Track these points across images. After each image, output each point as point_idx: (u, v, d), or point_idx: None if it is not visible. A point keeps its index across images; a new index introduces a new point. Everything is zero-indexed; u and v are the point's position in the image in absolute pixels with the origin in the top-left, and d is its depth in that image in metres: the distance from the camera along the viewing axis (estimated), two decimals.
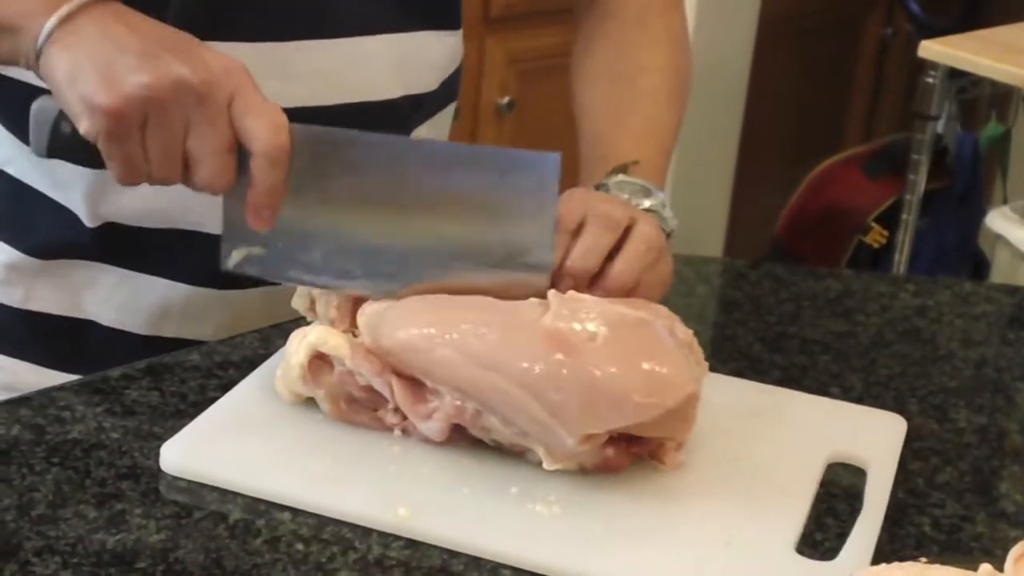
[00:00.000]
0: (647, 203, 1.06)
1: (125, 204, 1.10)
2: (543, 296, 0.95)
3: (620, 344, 0.91)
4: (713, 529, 0.90)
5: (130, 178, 0.91)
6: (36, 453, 0.93)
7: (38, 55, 0.90)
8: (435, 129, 1.22)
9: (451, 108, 1.25)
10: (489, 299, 0.95)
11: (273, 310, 1.14)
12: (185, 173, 0.91)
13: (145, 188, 1.08)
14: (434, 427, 0.93)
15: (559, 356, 0.89)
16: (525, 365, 0.90)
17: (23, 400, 0.99)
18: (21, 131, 1.11)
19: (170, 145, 0.89)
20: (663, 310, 0.97)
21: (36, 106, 0.92)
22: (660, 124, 1.17)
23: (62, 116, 0.91)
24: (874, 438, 1.02)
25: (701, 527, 0.90)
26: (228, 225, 0.96)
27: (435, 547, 0.87)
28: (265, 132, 0.89)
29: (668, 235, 1.06)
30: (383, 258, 0.97)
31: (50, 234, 1.13)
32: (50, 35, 0.89)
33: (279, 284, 1.12)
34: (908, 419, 1.07)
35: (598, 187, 1.07)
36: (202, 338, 1.14)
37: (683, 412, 0.92)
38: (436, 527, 0.87)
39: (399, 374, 0.94)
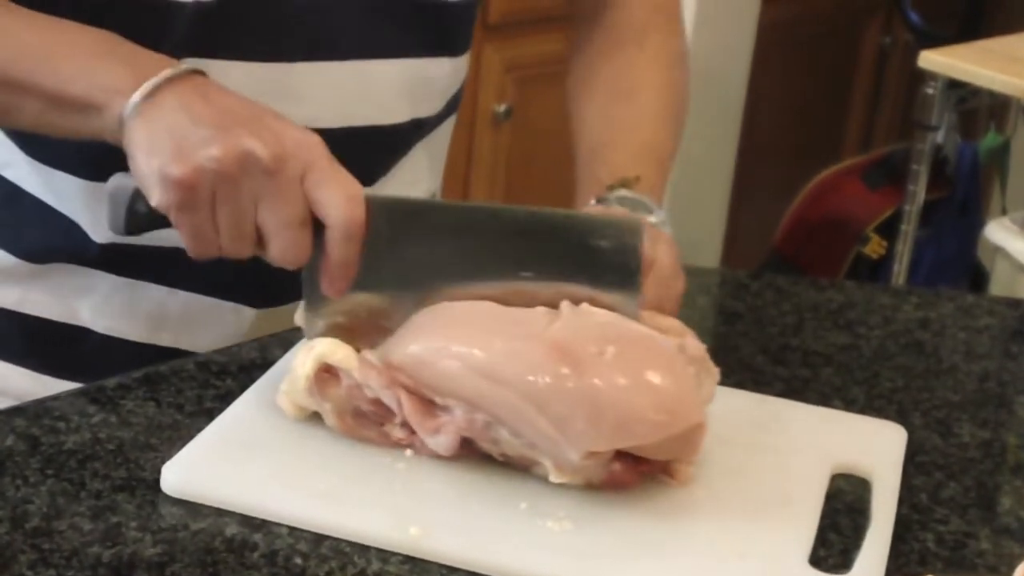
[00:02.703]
0: (649, 219, 1.05)
1: None
2: (553, 305, 0.94)
3: (628, 362, 0.89)
4: (726, 542, 0.89)
5: (201, 250, 0.91)
6: (31, 464, 0.92)
7: (122, 130, 0.90)
8: (434, 144, 1.21)
9: (451, 121, 1.24)
10: (497, 307, 0.94)
11: (271, 323, 1.13)
12: (260, 247, 0.91)
13: None
14: (443, 441, 0.92)
15: (565, 370, 0.88)
16: (530, 378, 0.89)
17: (18, 410, 0.98)
18: (20, 135, 1.10)
19: (239, 218, 0.89)
20: (676, 324, 0.96)
21: (112, 184, 0.93)
22: (659, 143, 1.16)
23: (138, 194, 0.91)
24: (876, 448, 1.02)
25: (714, 541, 0.89)
26: (309, 295, 0.96)
27: (433, 562, 0.86)
28: (339, 205, 0.89)
29: None
30: None
31: (46, 240, 1.13)
32: (134, 110, 0.90)
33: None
34: (911, 432, 1.06)
35: (599, 200, 1.06)
36: (199, 349, 1.13)
37: (688, 438, 0.91)
38: (449, 546, 0.86)
39: (407, 389, 0.93)
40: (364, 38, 1.09)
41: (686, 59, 1.24)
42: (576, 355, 0.89)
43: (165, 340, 1.14)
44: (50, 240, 1.12)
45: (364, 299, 0.95)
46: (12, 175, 1.13)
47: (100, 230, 1.10)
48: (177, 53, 1.03)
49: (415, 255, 0.95)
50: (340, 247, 0.90)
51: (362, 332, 0.96)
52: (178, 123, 0.89)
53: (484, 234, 0.96)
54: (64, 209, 1.11)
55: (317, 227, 0.90)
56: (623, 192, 1.06)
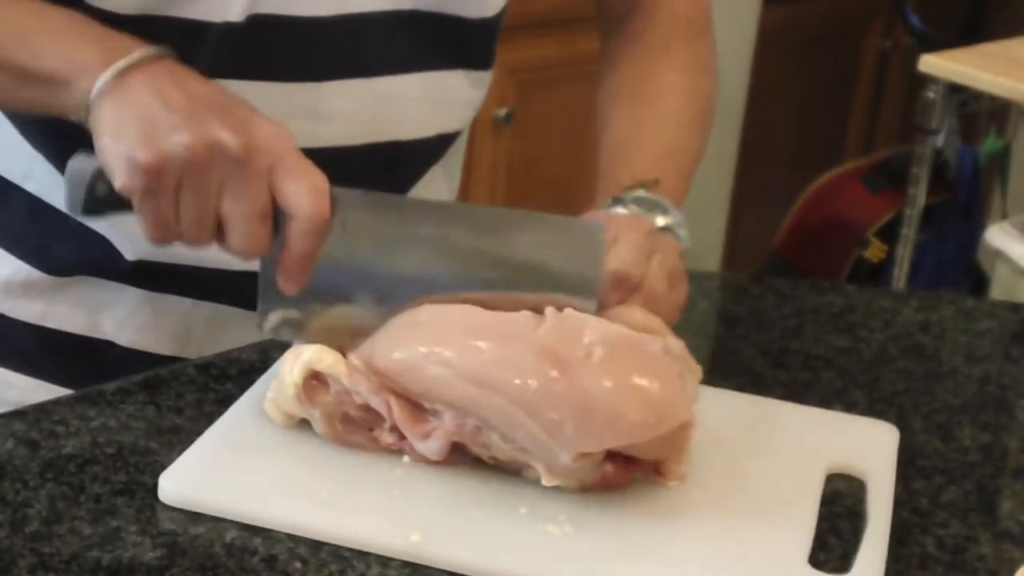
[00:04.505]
0: (663, 221, 1.05)
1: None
2: (538, 310, 0.95)
3: (616, 364, 0.90)
4: (726, 544, 0.89)
5: (160, 236, 0.90)
6: (30, 468, 0.92)
7: (89, 108, 0.90)
8: (448, 157, 1.20)
9: (465, 131, 1.23)
10: (480, 311, 0.94)
11: None
12: (219, 236, 0.90)
13: None
14: (433, 447, 0.92)
15: (554, 373, 0.89)
16: (519, 382, 0.89)
17: (17, 414, 0.98)
18: (46, 146, 1.10)
19: (204, 207, 0.88)
20: (655, 323, 0.96)
21: (72, 164, 0.92)
22: (680, 147, 1.15)
23: (99, 175, 0.91)
24: (869, 447, 1.02)
25: (714, 542, 0.89)
26: (264, 288, 0.95)
27: (434, 567, 0.86)
28: (305, 198, 0.89)
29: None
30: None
31: (73, 254, 1.12)
32: (103, 89, 0.89)
33: None
34: (912, 436, 1.06)
35: (615, 200, 1.06)
36: None
37: (676, 437, 0.91)
38: (451, 552, 0.86)
39: (396, 394, 0.93)
40: (391, 56, 1.09)
41: (714, 68, 1.24)
42: (564, 358, 0.89)
43: (189, 352, 1.13)
44: (78, 254, 1.12)
45: (321, 296, 0.95)
46: (34, 188, 1.12)
47: (131, 246, 1.09)
48: (206, 73, 1.03)
49: (377, 250, 0.95)
50: (302, 239, 0.89)
51: (323, 333, 0.96)
52: (148, 106, 0.88)
53: (446, 234, 0.96)
54: (93, 224, 1.10)
55: (276, 223, 0.90)
56: (640, 192, 1.06)
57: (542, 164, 2.77)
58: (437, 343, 0.92)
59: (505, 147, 2.72)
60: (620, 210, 1.05)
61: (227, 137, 0.87)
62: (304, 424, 0.96)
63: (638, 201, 1.05)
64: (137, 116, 0.88)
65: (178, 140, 0.86)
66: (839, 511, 0.95)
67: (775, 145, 3.40)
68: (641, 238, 1.00)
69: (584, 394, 0.88)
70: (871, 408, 1.10)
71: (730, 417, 1.03)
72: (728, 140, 3.19)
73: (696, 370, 0.96)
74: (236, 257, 0.91)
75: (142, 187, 0.87)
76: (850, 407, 1.10)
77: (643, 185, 1.07)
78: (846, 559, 0.90)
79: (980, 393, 1.16)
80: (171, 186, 0.87)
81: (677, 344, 0.95)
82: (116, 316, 1.13)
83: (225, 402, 1.00)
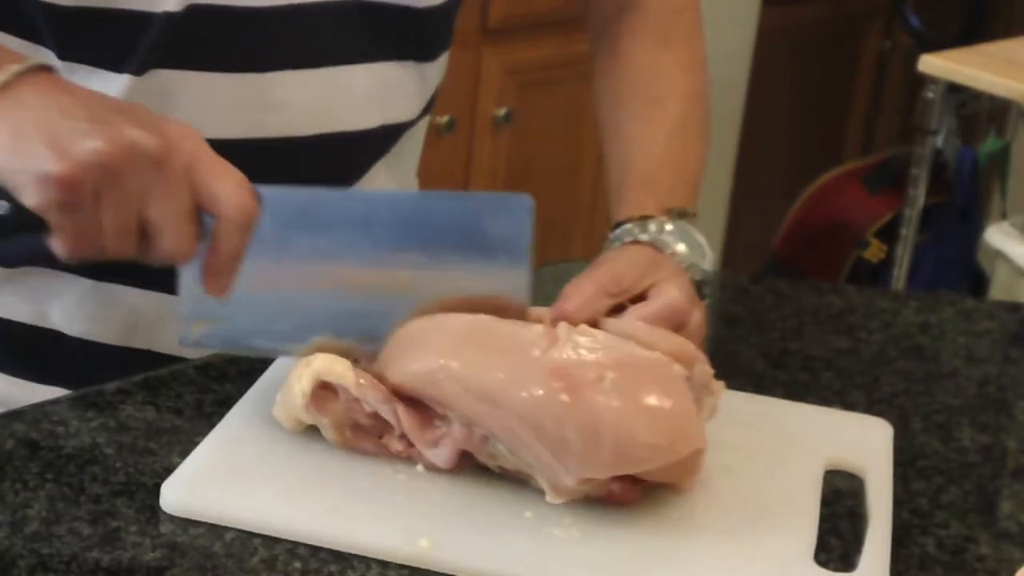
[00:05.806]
0: (704, 264, 1.04)
1: None
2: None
3: (627, 388, 0.88)
4: (733, 545, 0.89)
5: (82, 251, 0.85)
6: (30, 469, 0.92)
7: None
8: (410, 141, 1.20)
9: (424, 121, 1.23)
10: (493, 322, 0.93)
11: None
12: (142, 244, 0.86)
13: None
14: (441, 454, 0.92)
15: (563, 397, 0.87)
16: (528, 403, 0.88)
17: (17, 414, 0.98)
18: None
19: (127, 214, 0.84)
20: (688, 349, 0.94)
21: None
22: (695, 158, 1.15)
23: None
24: (865, 443, 1.03)
25: (721, 544, 0.89)
26: (186, 298, 0.93)
27: (436, 571, 0.86)
28: (233, 195, 0.85)
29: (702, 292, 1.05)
30: (357, 318, 0.96)
31: (19, 244, 1.10)
32: None
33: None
34: (911, 437, 1.06)
35: (658, 227, 1.04)
36: (173, 351, 1.11)
37: (688, 464, 0.90)
38: (460, 558, 0.86)
39: (405, 401, 0.93)
40: (337, 46, 1.08)
41: (706, 62, 1.23)
42: (575, 380, 0.88)
43: (138, 342, 1.12)
44: (26, 244, 1.10)
45: (245, 298, 0.92)
46: None
47: None
48: (149, 63, 1.02)
49: (303, 249, 0.94)
50: (232, 238, 0.86)
51: (244, 337, 0.96)
52: (45, 116, 0.83)
53: (373, 221, 0.95)
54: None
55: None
56: (685, 224, 1.05)
57: (541, 164, 2.77)
58: (449, 357, 0.91)
59: (504, 147, 2.72)
60: (663, 237, 1.04)
61: (142, 137, 0.83)
62: (307, 429, 0.96)
63: (682, 234, 1.04)
64: (36, 127, 0.82)
65: (90, 146, 0.81)
66: (839, 511, 0.95)
67: (774, 146, 3.40)
68: (689, 286, 1.00)
69: (593, 420, 0.87)
70: (871, 409, 1.10)
71: (725, 416, 1.02)
72: (727, 141, 3.19)
73: (717, 392, 0.95)
74: (163, 263, 0.87)
75: (59, 202, 0.81)
76: (850, 408, 1.10)
77: (683, 215, 1.06)
78: (847, 559, 0.90)
79: (979, 394, 1.16)
80: (89, 196, 0.82)
81: (705, 371, 0.94)
82: (64, 306, 1.11)
83: (225, 403, 1.00)
